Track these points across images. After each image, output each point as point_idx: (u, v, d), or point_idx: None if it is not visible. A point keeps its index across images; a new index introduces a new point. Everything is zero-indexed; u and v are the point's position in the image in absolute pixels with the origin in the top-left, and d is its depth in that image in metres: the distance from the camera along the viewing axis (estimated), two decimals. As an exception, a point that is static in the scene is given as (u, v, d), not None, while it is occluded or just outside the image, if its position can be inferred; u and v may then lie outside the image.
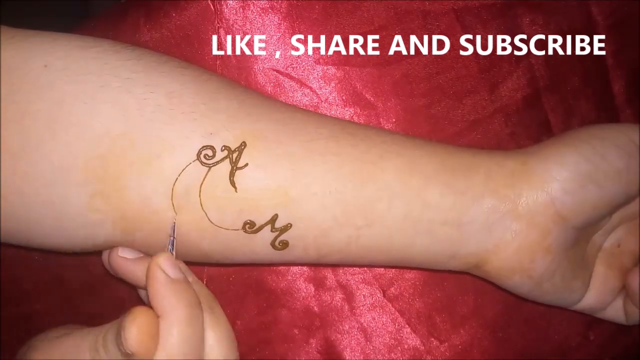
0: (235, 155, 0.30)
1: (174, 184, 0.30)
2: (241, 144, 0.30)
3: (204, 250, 0.32)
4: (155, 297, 0.28)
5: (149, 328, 0.27)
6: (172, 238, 0.30)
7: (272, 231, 0.31)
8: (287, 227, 0.31)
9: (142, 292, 0.34)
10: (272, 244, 0.32)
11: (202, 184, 0.30)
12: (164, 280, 0.28)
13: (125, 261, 0.32)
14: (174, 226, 0.30)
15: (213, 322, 0.30)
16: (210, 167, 0.30)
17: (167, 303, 0.28)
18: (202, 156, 0.30)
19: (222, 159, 0.30)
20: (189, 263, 0.33)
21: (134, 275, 0.32)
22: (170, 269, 0.29)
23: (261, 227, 0.31)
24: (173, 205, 0.30)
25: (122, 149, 0.29)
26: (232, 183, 0.30)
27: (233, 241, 0.32)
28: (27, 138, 0.29)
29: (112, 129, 0.29)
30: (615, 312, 0.37)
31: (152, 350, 0.27)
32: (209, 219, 0.31)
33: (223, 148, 0.30)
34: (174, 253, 0.30)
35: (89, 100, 0.29)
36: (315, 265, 0.40)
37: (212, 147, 0.30)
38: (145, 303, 0.34)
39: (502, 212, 0.32)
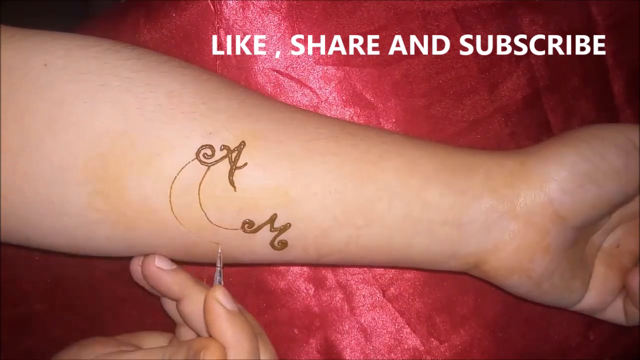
0: (234, 154, 0.30)
1: (172, 183, 0.30)
2: (240, 143, 0.30)
3: (203, 250, 0.32)
4: (220, 331, 0.30)
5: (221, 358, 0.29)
6: (219, 268, 0.32)
7: (271, 231, 0.31)
8: (286, 227, 0.31)
9: (166, 303, 0.35)
10: (272, 244, 0.32)
11: (201, 183, 0.30)
12: (225, 314, 0.30)
13: (160, 272, 0.32)
14: (220, 256, 0.32)
15: (264, 348, 0.32)
16: (209, 167, 0.30)
17: (232, 336, 0.30)
18: (201, 155, 0.30)
19: (221, 158, 0.30)
20: (189, 263, 0.33)
21: (168, 286, 0.33)
22: (226, 302, 0.31)
23: (260, 227, 0.31)
24: (171, 204, 0.30)
25: (122, 149, 0.29)
26: (231, 182, 0.30)
27: (232, 241, 0.32)
28: (27, 137, 0.29)
29: (112, 128, 0.29)
30: (615, 312, 0.37)
31: None
32: (207, 218, 0.31)
33: (222, 147, 0.30)
34: (222, 280, 0.32)
35: (89, 100, 0.29)
36: (315, 265, 0.40)
37: (211, 147, 0.30)
38: (169, 314, 0.35)
39: (500, 212, 0.32)
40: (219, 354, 0.29)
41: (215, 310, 0.30)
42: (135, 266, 0.34)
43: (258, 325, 0.34)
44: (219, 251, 0.32)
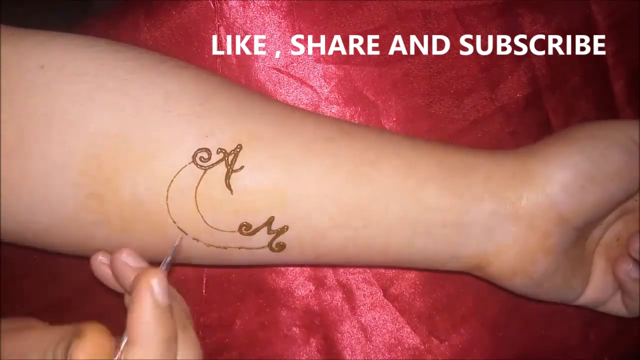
0: (231, 157, 0.30)
1: (168, 187, 0.30)
2: (237, 146, 0.30)
3: (200, 253, 0.32)
4: (137, 320, 0.26)
5: (99, 351, 0.25)
6: (169, 258, 0.29)
7: (268, 233, 0.31)
8: (283, 230, 0.31)
9: (128, 300, 0.33)
10: (269, 246, 0.32)
11: (197, 186, 0.30)
12: (151, 305, 0.26)
13: (128, 268, 0.29)
14: (175, 247, 0.29)
15: (183, 341, 0.28)
16: (205, 170, 0.30)
17: (146, 332, 0.26)
18: (197, 159, 0.30)
19: (218, 162, 0.30)
20: (186, 264, 0.33)
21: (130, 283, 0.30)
22: (160, 294, 0.27)
23: (257, 229, 0.31)
24: (167, 207, 0.30)
25: (117, 150, 0.29)
26: (228, 186, 0.30)
27: (229, 243, 0.31)
28: (23, 137, 0.29)
29: (108, 129, 0.29)
30: (616, 305, 0.37)
31: None
32: (204, 221, 0.31)
33: (219, 150, 0.30)
34: (168, 269, 0.29)
35: (85, 101, 0.29)
36: (313, 265, 0.40)
37: (207, 150, 0.30)
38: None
39: (502, 215, 0.32)
40: (93, 346, 0.25)
41: (143, 296, 0.26)
42: (97, 264, 0.31)
43: (187, 316, 0.30)
44: (177, 241, 0.30)
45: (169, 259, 0.29)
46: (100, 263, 0.31)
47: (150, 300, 0.26)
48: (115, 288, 0.31)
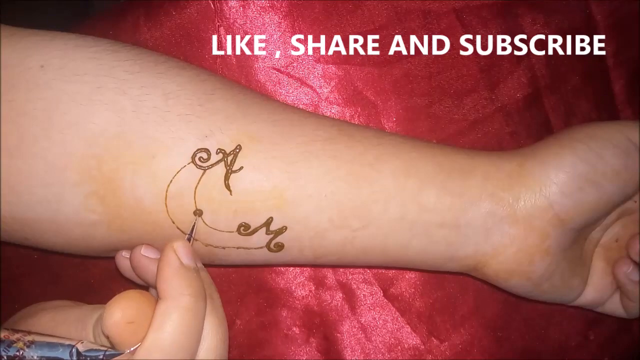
0: (230, 158, 0.30)
1: (167, 186, 0.30)
2: (236, 147, 0.30)
3: (199, 252, 0.32)
4: (164, 280, 0.28)
5: (132, 313, 0.26)
6: (193, 226, 0.31)
7: (267, 234, 0.31)
8: (282, 230, 0.31)
9: (154, 293, 0.34)
10: (268, 246, 0.32)
11: (197, 186, 0.30)
12: (177, 265, 0.28)
13: (148, 260, 0.31)
14: (196, 220, 0.31)
15: (211, 310, 0.29)
16: (205, 170, 0.30)
17: (174, 288, 0.27)
18: (197, 159, 0.30)
19: (217, 162, 0.30)
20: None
21: (154, 274, 0.30)
22: (184, 256, 0.29)
23: (256, 230, 0.31)
24: (166, 207, 0.30)
25: (117, 150, 0.29)
26: (227, 186, 0.30)
27: (228, 243, 0.32)
28: (23, 137, 0.29)
29: (107, 129, 0.29)
30: (615, 306, 0.37)
31: (129, 337, 0.26)
32: (203, 221, 0.31)
33: (218, 151, 0.30)
34: (192, 242, 0.31)
35: (85, 101, 0.29)
36: (312, 266, 0.40)
37: (207, 150, 0.30)
38: None
39: (500, 216, 0.32)
40: (128, 306, 0.26)
41: (168, 258, 0.28)
42: (121, 258, 0.33)
43: (214, 287, 0.31)
44: (196, 220, 0.31)
45: (193, 228, 0.31)
46: (123, 257, 0.32)
47: (176, 259, 0.28)
48: (134, 280, 0.33)
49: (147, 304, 0.27)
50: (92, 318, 0.28)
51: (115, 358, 0.26)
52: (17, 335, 0.26)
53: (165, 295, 0.27)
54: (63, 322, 0.29)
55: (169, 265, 0.28)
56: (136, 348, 0.26)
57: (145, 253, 0.31)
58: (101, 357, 0.26)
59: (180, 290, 0.27)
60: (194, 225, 0.31)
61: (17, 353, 0.25)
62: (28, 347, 0.26)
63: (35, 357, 0.26)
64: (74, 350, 0.26)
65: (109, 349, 0.27)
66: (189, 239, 0.30)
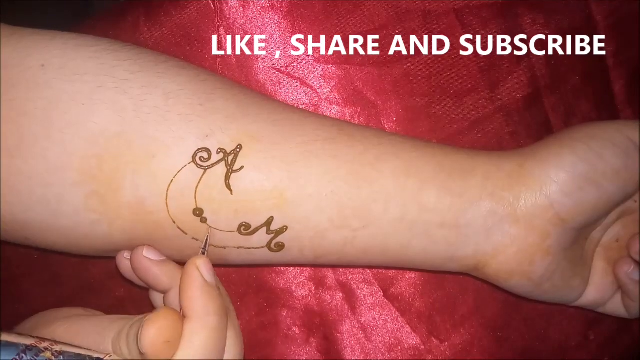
0: (230, 158, 0.30)
1: (168, 186, 0.30)
2: (237, 146, 0.30)
3: (199, 252, 0.32)
4: (190, 299, 0.28)
5: (169, 333, 0.27)
6: (206, 240, 0.31)
7: (267, 233, 0.31)
8: (282, 230, 0.31)
9: (154, 295, 0.34)
10: (268, 246, 0.32)
11: (197, 186, 0.30)
12: (201, 283, 0.28)
13: (149, 262, 0.31)
14: (208, 235, 0.31)
15: (230, 324, 0.30)
16: (205, 170, 0.30)
17: (200, 306, 0.28)
18: (197, 159, 0.30)
19: (218, 162, 0.30)
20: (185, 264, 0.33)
21: (156, 277, 0.32)
22: (206, 273, 0.29)
23: (256, 230, 0.31)
24: (167, 206, 0.30)
25: (117, 149, 0.29)
26: (228, 186, 0.30)
27: (228, 243, 0.32)
28: (23, 137, 0.29)
29: (108, 129, 0.29)
30: (616, 306, 0.37)
31: (164, 356, 0.27)
32: (207, 224, 0.31)
33: (219, 150, 0.30)
34: (207, 254, 0.31)
35: (86, 101, 0.29)
36: (312, 266, 0.40)
37: (207, 150, 0.30)
38: (156, 306, 0.34)
39: (500, 215, 0.32)
40: (164, 326, 0.27)
41: (193, 275, 0.29)
42: (122, 259, 0.33)
43: (230, 302, 0.32)
44: (208, 233, 0.31)
45: (206, 247, 0.31)
46: (124, 258, 0.33)
47: (200, 278, 0.29)
48: (135, 281, 0.33)
49: (180, 323, 0.28)
50: (112, 330, 0.28)
51: None
52: (44, 344, 0.26)
53: (192, 314, 0.28)
54: (80, 333, 0.29)
55: (194, 284, 0.28)
56: None
57: (147, 255, 0.31)
58: None
59: (206, 309, 0.28)
60: (207, 239, 0.31)
61: None
62: (56, 357, 0.26)
63: None
64: None
65: None
66: (203, 253, 0.31)
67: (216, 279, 0.30)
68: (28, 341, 0.26)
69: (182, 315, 0.28)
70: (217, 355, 0.28)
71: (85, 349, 0.27)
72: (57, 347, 0.26)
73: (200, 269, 0.29)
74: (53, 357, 0.26)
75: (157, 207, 0.30)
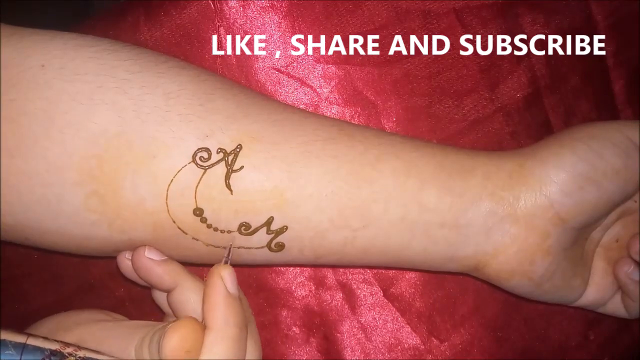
0: (230, 157, 0.30)
1: (168, 186, 0.30)
2: (237, 146, 0.30)
3: (199, 252, 0.32)
4: (212, 309, 0.28)
5: (190, 342, 0.27)
6: (229, 249, 0.31)
7: (267, 233, 0.31)
8: (282, 230, 0.31)
9: (156, 294, 0.34)
10: (268, 246, 0.32)
11: (197, 186, 0.30)
12: (224, 293, 0.29)
13: (151, 262, 0.31)
14: (232, 242, 0.31)
15: (250, 335, 0.30)
16: (205, 170, 0.30)
17: (222, 317, 0.28)
18: (197, 158, 0.30)
19: (218, 162, 0.30)
20: (186, 264, 0.33)
21: (159, 277, 0.32)
22: (230, 284, 0.29)
23: (256, 230, 0.31)
24: (167, 206, 0.30)
25: (118, 150, 0.29)
26: (228, 186, 0.30)
27: (228, 243, 0.32)
28: (23, 136, 0.29)
29: (108, 129, 0.29)
30: (616, 306, 0.37)
31: None
32: (206, 222, 0.31)
33: (219, 150, 0.30)
34: (230, 263, 0.31)
35: (86, 101, 0.29)
36: (312, 266, 0.40)
37: (207, 150, 0.30)
38: (160, 305, 0.35)
39: (500, 215, 0.32)
40: (186, 336, 0.27)
41: (217, 285, 0.29)
42: (123, 259, 0.33)
43: (251, 313, 0.32)
44: (232, 242, 0.31)
45: (229, 255, 0.31)
46: (125, 258, 0.33)
47: (224, 289, 0.29)
48: (136, 281, 0.33)
49: (202, 333, 0.28)
50: (135, 337, 0.29)
51: None
52: (69, 350, 0.26)
53: (214, 325, 0.28)
54: (105, 339, 0.29)
55: (217, 294, 0.29)
56: None
57: (149, 255, 0.31)
58: None
59: (227, 320, 0.28)
60: (230, 249, 0.31)
61: None
62: None
63: None
64: None
65: None
66: (226, 262, 0.31)
67: (239, 289, 0.30)
68: (53, 346, 0.26)
69: (203, 325, 0.28)
70: None
71: (108, 355, 0.28)
72: (81, 353, 0.26)
73: (225, 280, 0.29)
74: None
75: (157, 207, 0.30)
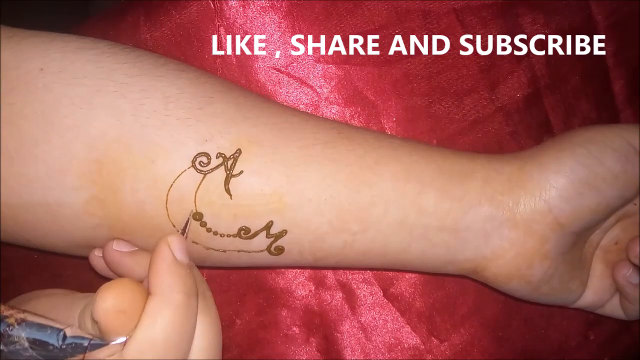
0: (230, 162, 0.30)
1: (168, 190, 0.30)
2: (236, 151, 0.30)
3: (200, 255, 0.32)
4: (156, 275, 0.26)
5: (125, 303, 0.25)
6: (187, 221, 0.30)
7: (267, 237, 0.31)
8: (282, 234, 0.31)
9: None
10: (268, 250, 0.32)
11: (197, 190, 0.30)
12: (170, 260, 0.27)
13: (120, 254, 0.31)
14: (190, 215, 0.30)
15: (203, 308, 0.28)
16: (205, 174, 0.30)
17: (166, 284, 0.26)
18: (197, 163, 0.30)
19: (217, 166, 0.30)
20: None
21: (129, 268, 0.31)
22: (178, 251, 0.27)
23: (256, 234, 0.31)
24: (167, 211, 0.30)
25: (117, 154, 0.29)
26: (227, 190, 0.30)
27: (228, 246, 0.32)
28: (23, 140, 0.29)
29: (107, 133, 0.29)
30: (614, 308, 0.37)
31: (118, 327, 0.25)
32: (205, 225, 0.31)
33: (218, 155, 0.30)
34: (186, 237, 0.30)
35: (85, 105, 0.29)
36: (312, 268, 0.40)
37: (207, 154, 0.30)
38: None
39: (499, 220, 0.32)
40: (120, 294, 0.25)
41: (163, 251, 0.27)
42: (94, 257, 0.32)
43: (206, 285, 0.30)
44: (190, 216, 0.30)
45: (187, 222, 0.30)
46: (96, 256, 0.32)
47: (170, 255, 0.27)
48: (110, 276, 0.32)
49: (140, 296, 0.26)
50: (79, 306, 0.27)
51: (100, 349, 0.26)
52: (11, 312, 0.26)
53: (157, 291, 0.26)
54: (53, 309, 0.28)
55: (163, 260, 0.27)
56: (124, 342, 0.25)
57: (117, 247, 0.31)
58: (86, 344, 0.26)
59: (173, 287, 0.26)
60: (187, 221, 0.30)
61: (7, 329, 0.25)
62: (19, 324, 0.25)
63: (22, 336, 0.25)
64: (61, 334, 0.26)
65: (95, 338, 0.26)
66: (182, 233, 0.30)
67: (190, 262, 0.28)
68: None
69: (146, 290, 0.27)
70: (183, 337, 0.26)
71: (53, 320, 0.26)
72: (22, 315, 0.26)
73: (172, 246, 0.27)
74: (15, 324, 0.25)
75: (157, 211, 0.30)
